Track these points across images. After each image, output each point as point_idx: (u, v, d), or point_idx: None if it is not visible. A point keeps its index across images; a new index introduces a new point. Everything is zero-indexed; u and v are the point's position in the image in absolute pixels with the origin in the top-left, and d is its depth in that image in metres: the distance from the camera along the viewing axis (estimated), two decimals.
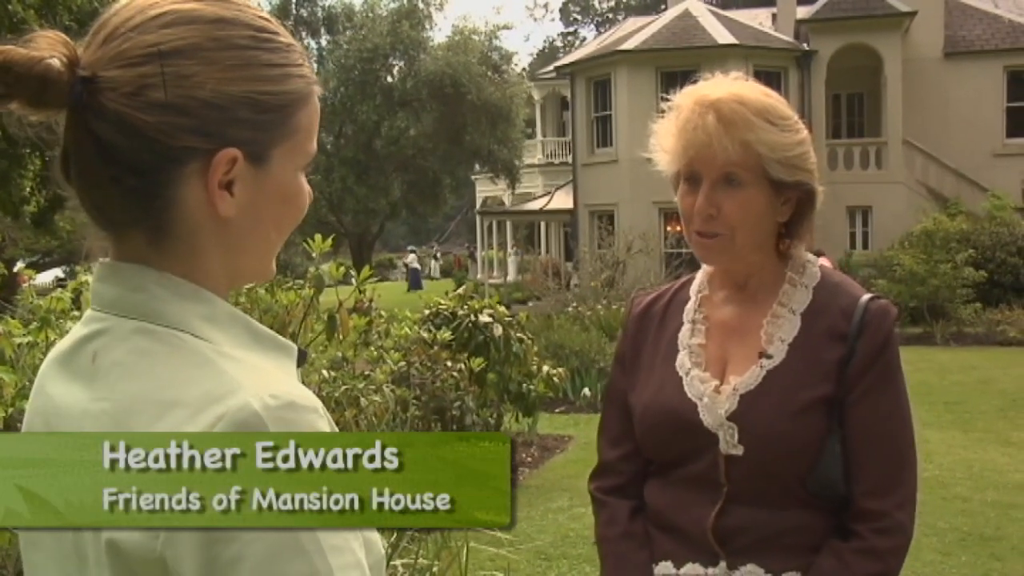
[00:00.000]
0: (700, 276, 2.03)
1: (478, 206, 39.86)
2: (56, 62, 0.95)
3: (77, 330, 1.05)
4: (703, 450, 1.85)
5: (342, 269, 5.13)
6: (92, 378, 1.00)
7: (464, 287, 9.64)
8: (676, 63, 24.16)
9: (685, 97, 1.85)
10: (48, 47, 0.97)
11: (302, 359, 1.10)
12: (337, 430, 1.01)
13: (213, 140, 0.99)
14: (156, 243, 1.02)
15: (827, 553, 1.81)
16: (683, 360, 1.93)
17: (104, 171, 0.99)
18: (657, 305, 2.05)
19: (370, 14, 31.44)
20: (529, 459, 9.12)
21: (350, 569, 0.93)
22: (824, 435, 1.81)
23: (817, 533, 1.82)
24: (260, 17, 1.06)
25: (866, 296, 1.88)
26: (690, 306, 1.99)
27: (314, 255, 4.96)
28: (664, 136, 1.87)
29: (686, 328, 1.97)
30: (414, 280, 38.61)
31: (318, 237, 4.89)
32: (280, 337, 1.09)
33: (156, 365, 0.97)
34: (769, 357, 1.86)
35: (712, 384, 1.88)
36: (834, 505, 1.83)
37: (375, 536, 1.07)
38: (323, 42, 32.70)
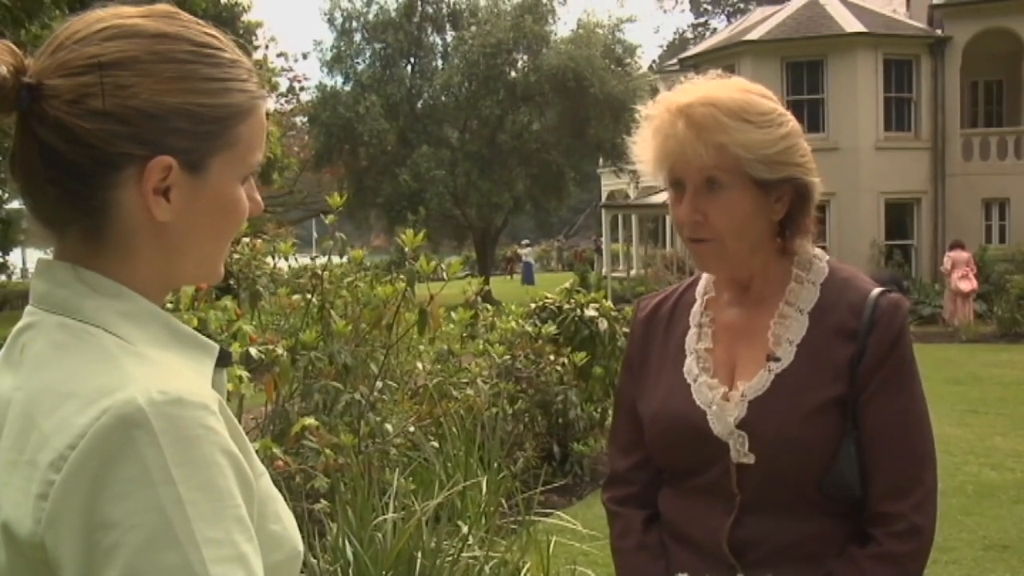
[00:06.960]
0: (706, 277, 1.97)
1: (603, 199, 39.70)
2: (3, 69, 1.02)
3: (19, 323, 1.12)
4: (714, 459, 1.80)
5: (433, 263, 5.20)
6: (17, 368, 1.07)
7: (571, 281, 9.60)
8: (802, 53, 23.56)
9: (657, 105, 1.81)
10: None
11: (225, 359, 1.14)
12: (240, 428, 1.04)
13: (149, 148, 1.05)
14: (91, 243, 1.08)
15: (844, 561, 1.75)
16: (691, 366, 1.88)
17: (44, 173, 1.05)
18: (663, 308, 2.00)
19: (494, 9, 31.56)
20: None
21: (227, 563, 0.94)
22: (838, 437, 1.74)
23: (835, 541, 1.77)
24: (206, 33, 1.12)
25: (876, 290, 1.80)
26: (696, 309, 1.94)
27: (406, 249, 5.08)
28: (642, 147, 1.82)
29: (692, 332, 1.92)
30: (527, 274, 39.17)
31: (409, 232, 4.99)
32: (202, 337, 1.13)
33: (65, 358, 1.03)
34: (777, 360, 1.79)
35: (720, 391, 1.82)
36: (852, 510, 1.76)
37: (289, 533, 1.10)
38: (448, 38, 33.04)
